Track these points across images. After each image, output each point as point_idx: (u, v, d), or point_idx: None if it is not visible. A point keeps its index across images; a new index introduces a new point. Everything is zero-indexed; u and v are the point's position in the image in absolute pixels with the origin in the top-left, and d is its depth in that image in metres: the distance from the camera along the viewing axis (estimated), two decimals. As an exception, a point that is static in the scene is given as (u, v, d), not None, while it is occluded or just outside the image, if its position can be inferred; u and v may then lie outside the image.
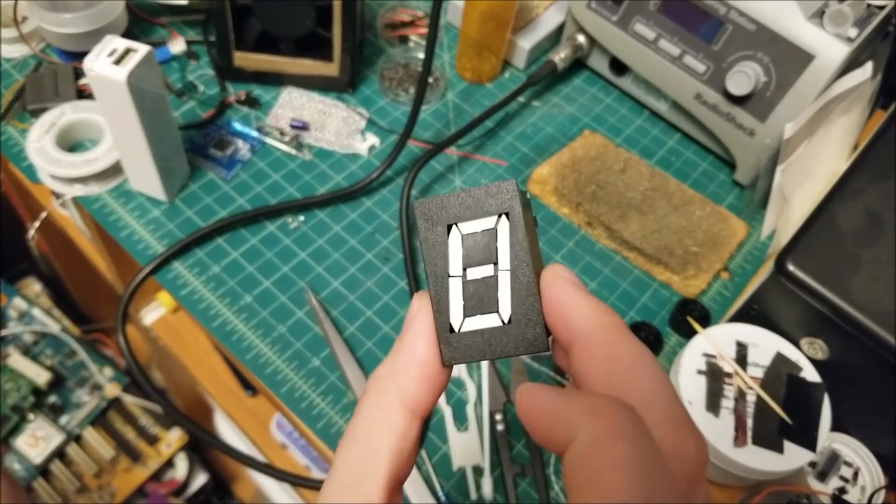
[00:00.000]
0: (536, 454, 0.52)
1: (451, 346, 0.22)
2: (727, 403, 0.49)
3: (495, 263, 0.22)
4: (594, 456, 0.17)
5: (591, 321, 0.21)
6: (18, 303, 1.08)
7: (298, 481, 0.54)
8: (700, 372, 0.50)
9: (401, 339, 0.23)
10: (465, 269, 0.22)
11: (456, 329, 0.22)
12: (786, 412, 0.48)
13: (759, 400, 0.49)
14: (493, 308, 0.22)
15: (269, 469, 0.54)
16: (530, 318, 0.22)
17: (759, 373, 0.50)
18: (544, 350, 0.22)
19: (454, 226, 0.23)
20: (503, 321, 0.22)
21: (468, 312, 0.22)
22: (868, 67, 0.61)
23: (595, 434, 0.17)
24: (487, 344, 0.22)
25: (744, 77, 0.60)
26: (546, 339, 0.22)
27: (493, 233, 0.22)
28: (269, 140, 0.65)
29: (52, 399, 1.00)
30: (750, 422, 0.48)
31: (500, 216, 0.22)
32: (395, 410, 0.22)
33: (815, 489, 0.51)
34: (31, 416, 0.98)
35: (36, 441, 0.97)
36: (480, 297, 0.22)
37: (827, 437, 0.49)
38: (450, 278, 0.22)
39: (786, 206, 0.63)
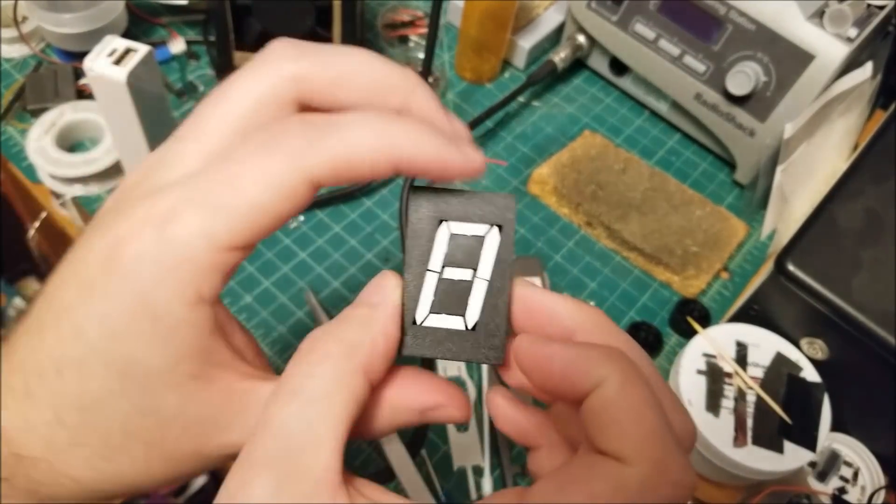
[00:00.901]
0: (536, 454, 0.52)
1: (410, 337, 0.23)
2: (727, 403, 0.49)
3: (475, 270, 0.23)
4: (630, 395, 0.19)
5: (577, 316, 0.22)
6: (18, 303, 1.08)
7: (298, 481, 0.54)
8: (700, 372, 0.50)
9: (373, 310, 0.22)
10: (443, 267, 0.23)
11: (418, 322, 0.23)
12: (786, 412, 0.48)
13: (759, 400, 0.49)
14: (461, 311, 0.23)
15: (269, 469, 0.54)
16: (495, 330, 0.23)
17: (759, 373, 0.50)
18: (498, 363, 0.23)
19: (444, 222, 0.23)
20: (466, 327, 0.23)
21: (435, 309, 0.23)
22: (868, 67, 0.61)
23: (624, 377, 0.20)
24: (445, 344, 0.23)
25: (744, 77, 0.60)
26: (503, 354, 0.23)
27: (480, 240, 0.23)
28: (269, 140, 0.65)
29: (52, 399, 1.00)
30: (750, 422, 0.48)
31: (492, 226, 0.23)
32: (360, 379, 0.21)
33: (815, 489, 0.51)
34: (30, 416, 0.98)
35: (36, 441, 0.97)
36: (451, 298, 0.23)
37: (827, 437, 0.48)
38: (427, 271, 0.23)
39: (786, 206, 0.63)
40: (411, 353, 0.23)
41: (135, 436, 0.20)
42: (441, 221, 0.23)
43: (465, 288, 0.23)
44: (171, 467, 0.21)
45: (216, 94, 0.22)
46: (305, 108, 0.22)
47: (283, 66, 0.21)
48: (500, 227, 0.23)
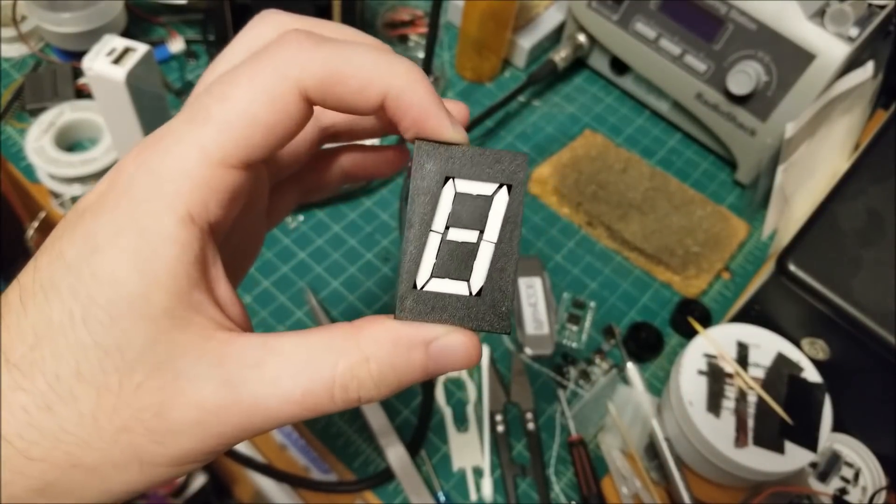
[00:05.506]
0: (537, 455, 0.52)
1: (410, 301, 0.21)
2: (728, 404, 0.49)
3: (481, 231, 0.21)
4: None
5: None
6: (17, 303, 1.07)
7: (298, 482, 0.53)
8: (701, 372, 0.50)
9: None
10: (447, 228, 0.21)
11: (419, 286, 0.21)
12: (787, 413, 0.48)
13: (761, 400, 0.49)
14: (465, 276, 0.21)
15: (268, 470, 0.54)
16: (501, 296, 0.21)
17: (761, 373, 0.50)
18: (505, 331, 0.21)
19: (451, 179, 0.21)
20: (471, 292, 0.21)
21: (437, 273, 0.21)
22: (869, 67, 0.61)
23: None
24: (447, 310, 0.21)
25: (745, 76, 0.60)
26: (509, 322, 0.21)
27: (488, 200, 0.21)
28: (268, 140, 0.65)
29: (52, 399, 1.00)
30: (751, 422, 0.48)
31: (501, 186, 0.21)
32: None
33: (816, 490, 0.50)
34: (30, 416, 0.98)
35: (35, 441, 0.96)
36: (455, 261, 0.21)
37: (828, 437, 0.48)
38: (430, 232, 0.21)
39: (787, 206, 0.63)
40: (410, 318, 0.21)
41: (88, 378, 0.18)
42: (447, 179, 0.21)
43: (469, 251, 0.21)
44: (123, 437, 0.18)
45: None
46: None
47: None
48: (509, 187, 0.21)
